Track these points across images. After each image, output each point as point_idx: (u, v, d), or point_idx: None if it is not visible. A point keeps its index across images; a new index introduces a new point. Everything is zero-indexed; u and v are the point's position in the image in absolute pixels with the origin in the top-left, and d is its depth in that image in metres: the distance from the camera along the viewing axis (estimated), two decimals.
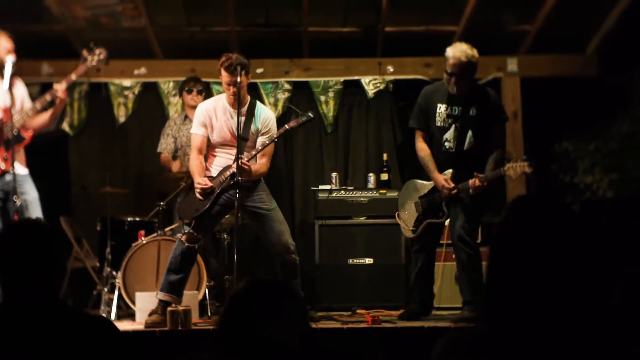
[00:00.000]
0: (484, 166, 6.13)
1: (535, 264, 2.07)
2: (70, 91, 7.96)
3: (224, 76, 6.08)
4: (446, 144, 6.21)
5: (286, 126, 6.18)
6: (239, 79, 5.98)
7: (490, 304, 2.13)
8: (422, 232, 6.38)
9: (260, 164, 6.14)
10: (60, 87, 6.43)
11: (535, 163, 5.90)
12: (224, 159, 6.19)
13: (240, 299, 2.48)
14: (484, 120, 6.17)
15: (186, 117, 7.64)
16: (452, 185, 6.10)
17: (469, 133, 6.16)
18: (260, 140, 6.19)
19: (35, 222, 3.05)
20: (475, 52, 6.11)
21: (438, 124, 6.23)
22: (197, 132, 6.25)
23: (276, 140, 6.17)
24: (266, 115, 6.30)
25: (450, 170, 6.17)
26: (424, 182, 6.42)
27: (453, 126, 6.19)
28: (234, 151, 5.98)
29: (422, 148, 6.32)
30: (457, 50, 6.09)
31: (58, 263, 2.94)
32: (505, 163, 6.08)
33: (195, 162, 6.20)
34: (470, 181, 6.03)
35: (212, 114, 6.22)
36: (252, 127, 6.18)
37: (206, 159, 6.30)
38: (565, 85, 8.41)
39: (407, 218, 6.53)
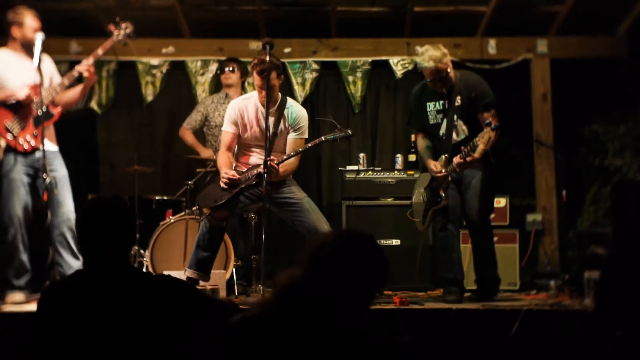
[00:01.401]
0: None
1: None
2: (98, 70, 8.01)
3: (256, 79, 6.06)
4: (443, 137, 6.35)
5: (322, 138, 6.17)
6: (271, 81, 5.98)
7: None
8: (432, 219, 6.47)
9: (288, 163, 6.11)
10: (87, 63, 6.45)
11: (496, 127, 5.85)
12: (252, 156, 6.21)
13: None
14: (470, 107, 6.25)
15: (226, 95, 7.61)
16: (440, 168, 6.24)
17: (460, 122, 6.28)
18: (291, 137, 6.18)
19: (113, 199, 3.46)
20: (442, 49, 6.21)
21: (431, 122, 6.44)
22: (227, 129, 6.25)
23: (309, 146, 6.16)
24: (298, 113, 6.26)
25: (444, 156, 6.27)
26: (426, 174, 6.53)
27: (444, 120, 6.34)
28: (263, 147, 5.98)
29: (418, 144, 6.62)
30: (425, 59, 6.18)
31: (130, 234, 3.45)
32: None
33: (223, 158, 6.20)
34: (454, 159, 6.13)
35: (244, 113, 6.21)
36: (282, 125, 6.17)
37: (239, 157, 6.30)
38: (595, 67, 8.32)
39: (416, 212, 6.65)
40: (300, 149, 6.11)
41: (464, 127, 6.29)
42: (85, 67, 6.44)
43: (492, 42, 8.45)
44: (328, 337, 2.52)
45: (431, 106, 6.41)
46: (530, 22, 8.34)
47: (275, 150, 6.14)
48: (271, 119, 6.06)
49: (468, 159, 6.03)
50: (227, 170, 6.07)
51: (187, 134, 7.73)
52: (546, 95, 8.33)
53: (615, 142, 8.21)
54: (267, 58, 5.89)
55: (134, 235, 3.45)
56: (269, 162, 5.80)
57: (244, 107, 6.25)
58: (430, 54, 6.16)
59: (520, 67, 8.41)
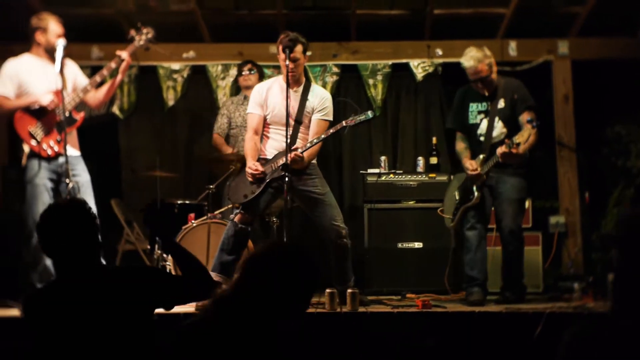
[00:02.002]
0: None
1: None
2: None
3: (281, 56, 6.07)
4: (480, 137, 6.55)
5: (343, 123, 6.10)
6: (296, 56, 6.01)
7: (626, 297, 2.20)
8: (462, 218, 6.59)
9: (314, 147, 6.09)
10: (125, 53, 6.50)
11: (536, 124, 6.18)
12: (278, 142, 6.15)
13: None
14: (512, 110, 6.50)
15: (245, 97, 7.64)
16: (475, 166, 6.40)
17: (500, 124, 6.48)
18: (315, 117, 6.16)
19: (70, 202, 3.71)
20: (485, 52, 6.49)
21: (471, 121, 6.64)
22: (253, 111, 6.25)
23: (331, 132, 6.10)
24: (322, 94, 6.27)
25: (481, 156, 6.46)
26: (461, 175, 6.71)
27: (484, 121, 6.53)
28: (289, 132, 5.96)
29: (457, 143, 6.76)
30: (467, 58, 6.47)
31: (90, 234, 3.49)
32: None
33: (250, 144, 6.19)
34: (498, 149, 6.27)
35: (269, 93, 6.21)
36: (308, 107, 6.15)
37: (261, 139, 6.29)
38: (617, 68, 8.27)
39: (447, 209, 6.77)
40: (323, 136, 6.06)
41: (504, 130, 6.48)
42: (120, 56, 6.50)
43: (512, 44, 8.43)
44: (260, 343, 2.64)
45: (474, 107, 6.61)
46: (551, 23, 8.31)
47: (303, 132, 6.14)
48: (296, 101, 6.07)
49: (513, 150, 6.16)
50: (250, 164, 6.06)
51: (217, 139, 7.75)
52: (568, 97, 8.30)
53: (638, 143, 8.15)
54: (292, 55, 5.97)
55: (95, 235, 3.50)
56: (293, 153, 5.82)
57: (268, 87, 6.27)
58: (472, 54, 6.43)
59: (541, 69, 8.38)
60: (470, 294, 6.42)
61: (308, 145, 6.01)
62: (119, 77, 6.68)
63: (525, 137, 6.12)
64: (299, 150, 5.91)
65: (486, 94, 6.55)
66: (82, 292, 3.33)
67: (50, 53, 6.45)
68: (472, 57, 6.44)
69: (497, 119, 6.50)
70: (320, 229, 6.17)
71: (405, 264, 7.36)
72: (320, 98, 6.20)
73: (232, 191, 6.26)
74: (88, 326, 3.27)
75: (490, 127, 6.50)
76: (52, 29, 6.47)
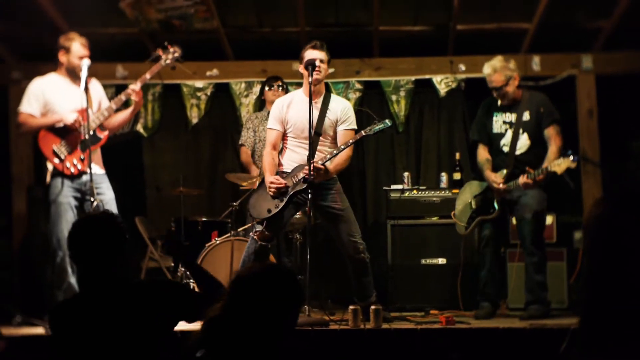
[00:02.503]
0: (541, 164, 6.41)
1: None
2: (144, 93, 8.07)
3: (312, 53, 6.11)
4: (504, 148, 6.61)
5: (363, 132, 6.10)
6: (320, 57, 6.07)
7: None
8: (478, 229, 6.72)
9: (339, 159, 6.07)
10: (135, 88, 6.52)
11: (578, 158, 6.24)
12: (298, 154, 6.15)
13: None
14: (537, 123, 6.55)
15: (269, 113, 7.64)
16: (500, 181, 6.44)
17: (525, 136, 6.52)
18: (341, 129, 6.14)
19: (102, 215, 3.74)
20: (508, 64, 6.56)
21: (495, 130, 6.70)
22: (272, 127, 6.25)
23: (351, 142, 6.08)
24: (343, 104, 6.27)
25: (505, 170, 6.51)
26: (481, 182, 6.76)
27: (509, 132, 6.57)
28: (308, 145, 5.96)
29: (479, 154, 6.80)
30: (486, 66, 6.59)
31: (118, 247, 3.55)
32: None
33: (267, 159, 6.19)
34: (520, 178, 6.33)
35: (289, 109, 6.21)
36: (328, 120, 6.13)
37: (280, 152, 6.30)
38: None
39: (461, 215, 6.78)
40: (343, 146, 6.03)
41: (528, 142, 6.53)
42: (133, 91, 6.52)
43: (536, 59, 8.40)
44: None
45: (498, 116, 6.68)
46: (575, 38, 8.26)
47: (322, 144, 6.13)
48: (316, 112, 6.06)
49: (538, 178, 6.27)
50: (271, 178, 6.04)
51: (243, 151, 7.75)
52: (592, 112, 8.25)
53: None
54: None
55: (123, 248, 3.58)
56: (313, 164, 5.82)
57: (287, 101, 6.27)
58: (492, 62, 6.56)
59: (564, 84, 8.35)
60: (480, 308, 6.55)
61: (329, 156, 6.01)
62: (136, 106, 6.70)
63: (563, 168, 6.18)
64: (319, 162, 5.91)
65: (505, 104, 6.61)
66: (107, 305, 3.39)
67: (73, 73, 6.50)
68: (490, 65, 6.56)
69: (521, 130, 6.53)
70: (339, 243, 6.17)
71: (429, 280, 7.33)
72: (342, 108, 6.19)
73: (254, 207, 6.22)
74: (111, 338, 3.33)
75: (515, 138, 6.53)
76: (75, 49, 6.51)
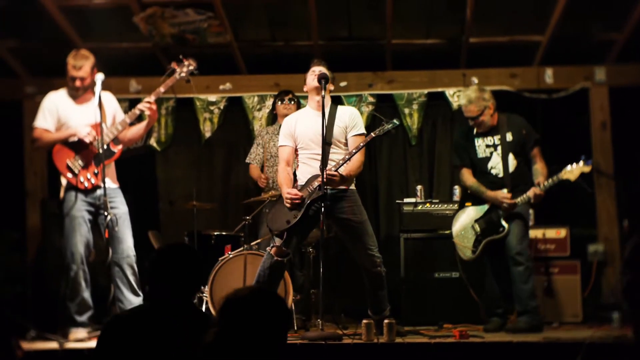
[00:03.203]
0: (530, 181, 6.63)
1: None
2: (157, 107, 8.11)
3: (309, 82, 6.21)
4: (493, 171, 6.75)
5: (372, 134, 6.16)
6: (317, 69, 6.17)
7: None
8: (485, 249, 6.73)
9: (352, 164, 6.07)
10: (149, 101, 6.52)
11: (591, 161, 6.40)
12: (311, 166, 6.15)
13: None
14: (521, 144, 6.72)
15: (280, 126, 7.64)
16: (510, 196, 6.56)
17: (511, 156, 6.65)
18: (351, 135, 6.16)
19: (183, 247, 3.92)
20: (483, 95, 6.73)
21: (480, 155, 6.83)
22: (284, 143, 6.29)
23: (362, 145, 6.09)
24: (350, 111, 6.32)
25: (505, 190, 6.61)
26: (477, 207, 6.82)
27: (494, 154, 6.70)
28: (320, 156, 5.97)
29: (468, 179, 6.89)
30: (462, 96, 6.85)
31: (198, 279, 3.72)
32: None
33: (283, 174, 6.21)
34: (529, 192, 6.48)
35: (297, 121, 6.27)
36: (337, 128, 6.15)
37: (295, 168, 6.32)
38: None
39: (465, 242, 6.80)
40: (355, 150, 6.04)
41: (514, 162, 6.67)
42: (147, 105, 6.52)
43: (549, 72, 8.40)
44: None
45: (479, 141, 6.80)
46: (588, 50, 8.26)
47: (334, 153, 6.12)
48: (324, 124, 6.05)
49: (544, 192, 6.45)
50: (288, 191, 6.06)
51: (252, 169, 7.74)
52: (605, 124, 8.24)
53: None
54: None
55: (199, 280, 3.75)
56: (326, 172, 5.83)
57: (296, 116, 6.35)
58: (467, 93, 6.77)
59: (578, 96, 8.33)
60: (488, 322, 6.65)
61: (341, 162, 6.01)
62: (151, 120, 6.72)
63: (577, 174, 6.38)
64: (332, 169, 5.92)
65: (479, 131, 6.77)
66: (167, 326, 3.43)
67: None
68: (465, 96, 6.75)
69: (507, 151, 6.68)
70: (356, 256, 6.17)
71: (442, 294, 7.32)
72: (350, 115, 6.23)
73: (272, 220, 6.21)
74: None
75: (505, 160, 6.66)
76: (68, 69, 6.49)
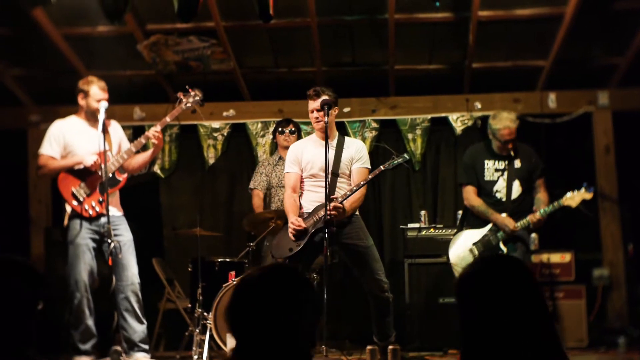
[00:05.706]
0: (531, 209, 6.61)
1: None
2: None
3: (309, 104, 6.18)
4: (497, 194, 6.74)
5: (381, 167, 6.15)
6: (320, 100, 6.10)
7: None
8: None
9: (354, 197, 6.07)
10: (155, 130, 6.53)
11: (593, 188, 6.40)
12: (317, 193, 6.15)
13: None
14: (529, 172, 6.76)
15: (280, 158, 7.63)
16: (514, 224, 6.53)
17: (517, 182, 6.72)
18: (355, 167, 6.18)
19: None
20: (514, 115, 6.75)
21: (487, 178, 6.82)
22: (290, 170, 6.30)
23: (370, 177, 6.11)
24: (357, 144, 6.35)
25: (504, 214, 6.60)
26: (474, 230, 6.77)
27: (501, 179, 6.71)
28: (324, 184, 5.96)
29: (474, 199, 6.82)
30: (505, 120, 6.64)
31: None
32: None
33: (289, 201, 6.22)
34: (529, 217, 6.48)
35: (303, 150, 6.28)
36: (345, 158, 6.18)
37: (300, 196, 6.32)
38: None
39: (462, 263, 6.71)
40: (363, 182, 6.07)
41: (520, 189, 6.69)
42: (153, 134, 6.53)
43: (552, 96, 8.42)
44: None
45: (489, 164, 6.76)
46: (591, 75, 8.28)
47: (340, 184, 6.15)
48: (331, 153, 6.06)
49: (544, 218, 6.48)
50: (292, 220, 6.07)
51: (254, 194, 7.74)
52: (609, 148, 8.25)
53: None
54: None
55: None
56: (332, 204, 5.81)
57: (302, 145, 6.37)
58: (510, 116, 6.67)
59: (581, 120, 8.34)
60: None
61: (348, 193, 6.02)
62: (156, 148, 6.74)
63: (578, 201, 6.40)
64: (339, 199, 5.92)
65: (512, 154, 6.72)
66: None
67: (91, 116, 6.53)
68: (508, 119, 6.63)
69: (514, 177, 6.70)
70: (364, 282, 6.17)
71: (447, 320, 7.27)
72: (356, 147, 6.26)
73: (276, 247, 6.24)
74: None
75: (510, 186, 6.68)
76: (93, 93, 6.52)
